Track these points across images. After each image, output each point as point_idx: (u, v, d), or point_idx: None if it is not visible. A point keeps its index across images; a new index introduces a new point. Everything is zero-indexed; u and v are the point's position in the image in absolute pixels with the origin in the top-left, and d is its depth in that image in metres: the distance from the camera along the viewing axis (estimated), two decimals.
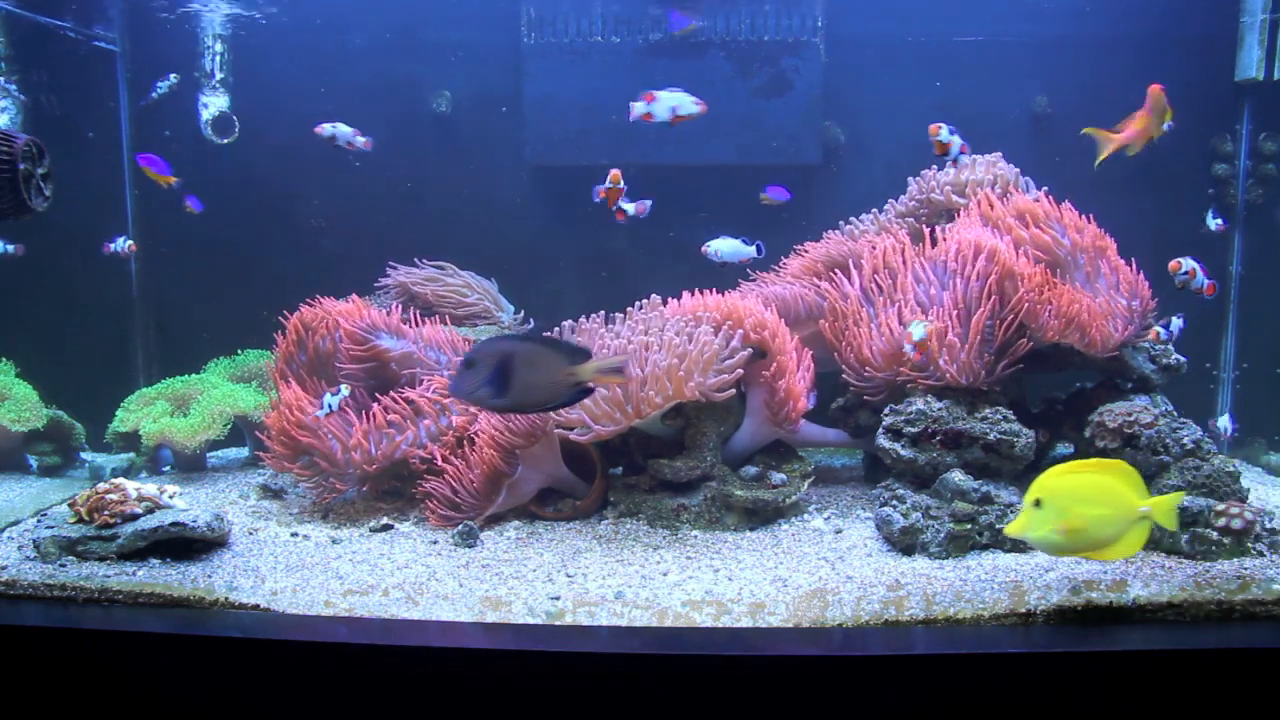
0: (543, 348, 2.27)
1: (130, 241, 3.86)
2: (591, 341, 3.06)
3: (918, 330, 2.97)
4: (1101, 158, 3.04)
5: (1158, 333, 3.25)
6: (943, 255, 3.30)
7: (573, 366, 2.24)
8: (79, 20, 4.25)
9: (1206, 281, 3.25)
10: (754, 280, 3.78)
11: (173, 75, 4.14)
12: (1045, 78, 4.13)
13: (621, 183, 3.20)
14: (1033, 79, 4.13)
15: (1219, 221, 3.56)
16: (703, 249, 3.36)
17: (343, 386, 3.25)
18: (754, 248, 3.35)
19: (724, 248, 3.37)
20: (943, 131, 3.15)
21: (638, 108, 3.10)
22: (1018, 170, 3.65)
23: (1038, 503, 2.24)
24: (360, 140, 3.63)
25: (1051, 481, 2.26)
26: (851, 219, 3.78)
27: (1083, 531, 2.23)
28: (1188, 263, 3.23)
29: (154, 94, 4.13)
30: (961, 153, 3.16)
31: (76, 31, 4.27)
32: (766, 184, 4.10)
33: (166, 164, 3.77)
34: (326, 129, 3.64)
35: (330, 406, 3.19)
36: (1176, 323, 3.22)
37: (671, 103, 3.08)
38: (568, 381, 2.25)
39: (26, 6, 4.09)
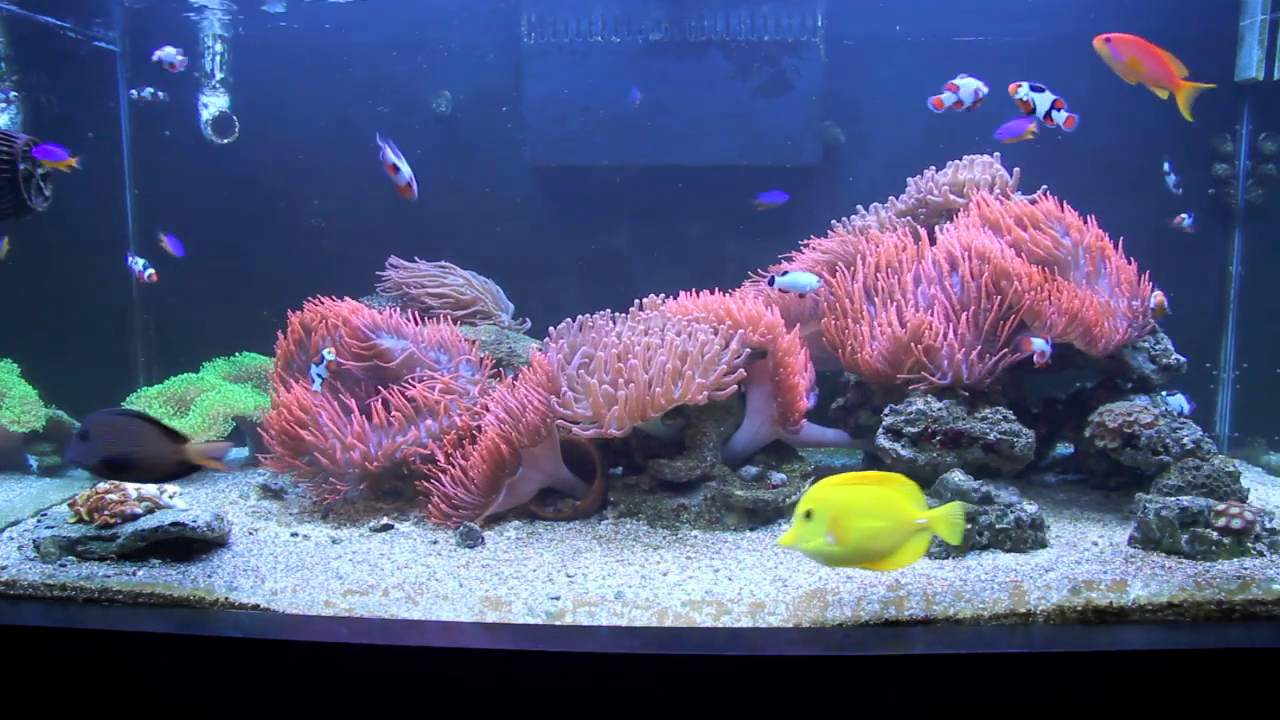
0: (148, 426, 2.49)
1: (152, 270, 3.84)
2: (599, 338, 3.07)
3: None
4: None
5: (1162, 302, 3.23)
6: (940, 255, 3.30)
7: (177, 445, 2.47)
8: (79, 20, 4.25)
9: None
10: (756, 279, 3.79)
11: (161, 93, 4.17)
12: (1045, 78, 4.12)
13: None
14: (1033, 79, 4.12)
15: (1188, 219, 3.55)
16: (775, 278, 3.37)
17: (325, 352, 3.26)
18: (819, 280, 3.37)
19: (791, 280, 3.40)
20: (1022, 89, 3.03)
21: (947, 98, 3.14)
22: (1018, 170, 3.65)
23: (809, 514, 2.17)
24: (179, 58, 3.73)
25: (822, 493, 2.18)
26: (858, 207, 3.79)
27: (856, 543, 2.17)
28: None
29: (144, 92, 4.15)
30: (1056, 108, 3.01)
31: (76, 31, 4.27)
32: (766, 184, 4.11)
33: (63, 149, 3.75)
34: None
35: (320, 376, 3.22)
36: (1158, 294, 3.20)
37: (974, 86, 3.14)
38: (175, 458, 2.47)
39: (26, 6, 4.09)
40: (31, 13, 4.11)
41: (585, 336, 3.13)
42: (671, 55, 4.09)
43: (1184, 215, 3.66)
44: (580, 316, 3.20)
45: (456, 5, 4.24)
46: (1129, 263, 3.30)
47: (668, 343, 2.98)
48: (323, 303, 3.55)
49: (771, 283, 3.38)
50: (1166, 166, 3.59)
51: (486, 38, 4.23)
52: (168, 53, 3.71)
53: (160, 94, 4.17)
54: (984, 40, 4.13)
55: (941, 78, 4.16)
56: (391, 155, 3.09)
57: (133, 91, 4.17)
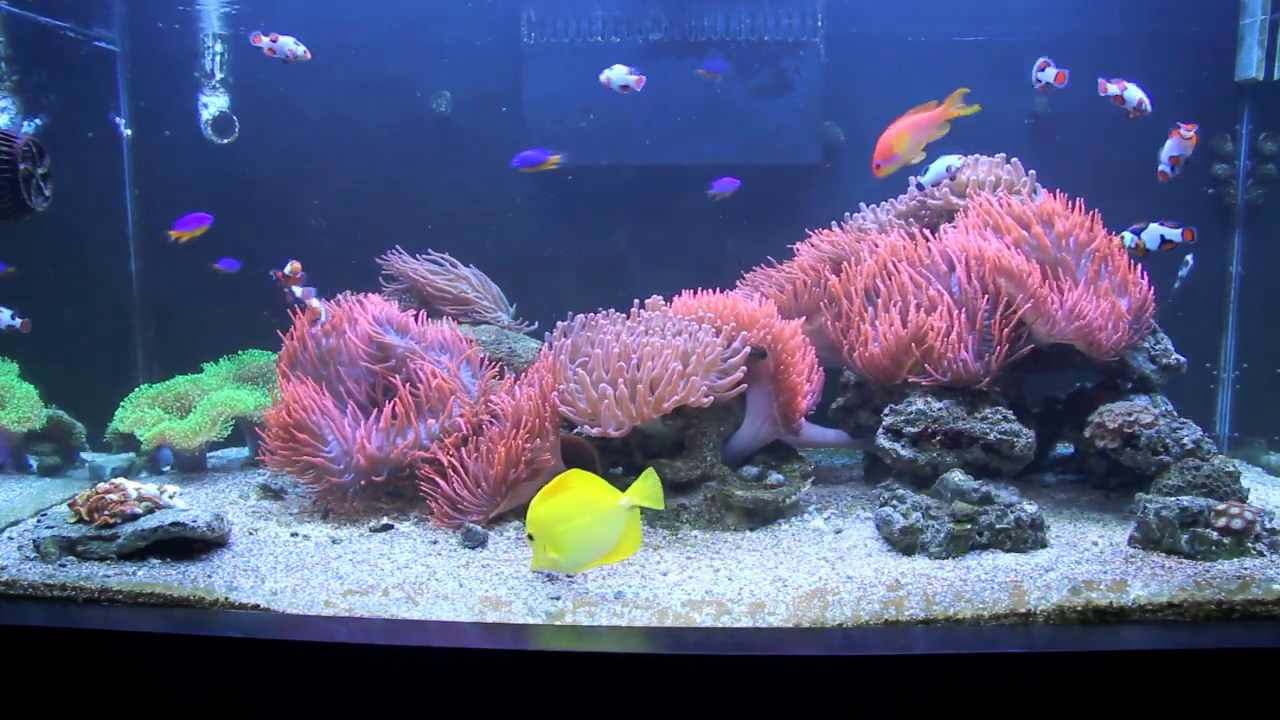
0: None
1: (25, 320, 3.64)
2: (598, 336, 3.07)
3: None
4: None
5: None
6: (940, 255, 3.30)
7: None
8: (79, 20, 4.25)
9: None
10: (756, 278, 3.78)
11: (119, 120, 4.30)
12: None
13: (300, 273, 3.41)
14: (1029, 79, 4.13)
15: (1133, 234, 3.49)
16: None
17: (313, 291, 3.41)
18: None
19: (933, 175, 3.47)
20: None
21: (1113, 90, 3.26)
22: (1034, 173, 3.65)
23: (531, 536, 2.32)
24: (300, 50, 3.74)
25: (533, 513, 2.32)
26: (860, 205, 3.78)
27: (572, 547, 2.28)
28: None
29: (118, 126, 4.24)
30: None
31: (76, 31, 4.27)
32: (767, 184, 4.10)
33: (206, 218, 3.86)
34: (264, 40, 3.71)
35: (318, 304, 3.41)
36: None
37: (1139, 96, 3.27)
38: None
39: (26, 6, 4.09)
40: (32, 13, 4.11)
41: (587, 334, 3.12)
42: (671, 55, 4.09)
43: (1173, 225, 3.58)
44: (585, 315, 3.20)
45: (456, 5, 4.24)
46: (1130, 264, 3.29)
47: (670, 344, 2.98)
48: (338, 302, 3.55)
49: (920, 188, 3.58)
50: (1183, 271, 3.58)
51: (486, 38, 4.23)
52: (284, 43, 3.72)
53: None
54: (984, 40, 4.13)
55: (941, 78, 4.16)
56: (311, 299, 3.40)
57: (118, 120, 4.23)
